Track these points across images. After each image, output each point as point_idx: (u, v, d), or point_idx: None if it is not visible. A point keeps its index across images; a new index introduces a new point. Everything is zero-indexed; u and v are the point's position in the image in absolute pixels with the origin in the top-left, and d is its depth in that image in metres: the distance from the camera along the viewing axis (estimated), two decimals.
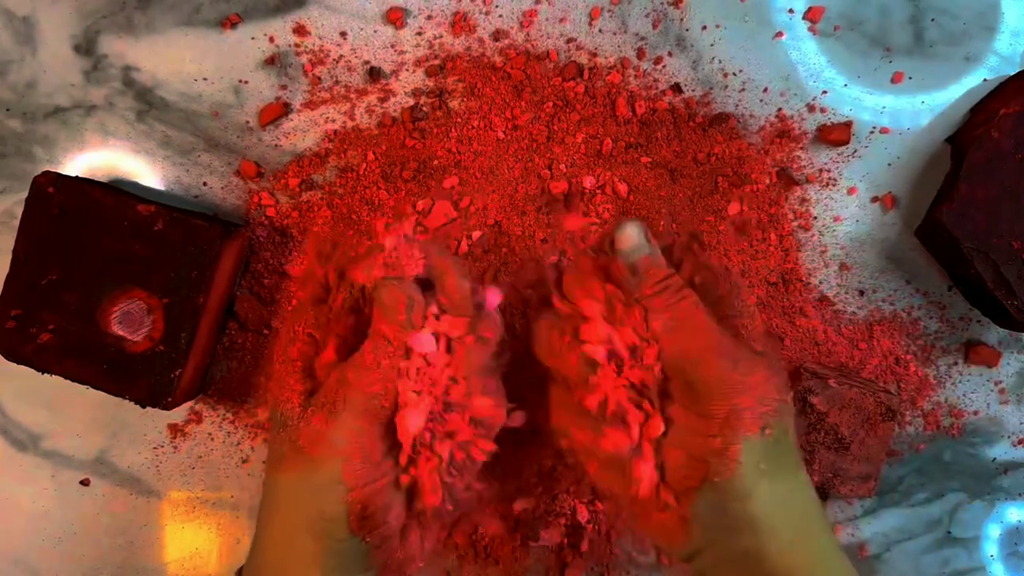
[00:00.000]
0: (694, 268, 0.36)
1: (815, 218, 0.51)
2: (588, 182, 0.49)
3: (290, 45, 0.49)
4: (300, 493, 0.34)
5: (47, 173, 0.45)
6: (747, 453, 0.31)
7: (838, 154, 0.51)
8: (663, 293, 0.33)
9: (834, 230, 0.51)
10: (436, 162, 0.49)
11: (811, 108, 0.50)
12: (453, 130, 0.49)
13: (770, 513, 0.31)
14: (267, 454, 0.36)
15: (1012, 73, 0.50)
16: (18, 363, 0.45)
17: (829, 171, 0.51)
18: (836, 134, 0.50)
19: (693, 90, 0.50)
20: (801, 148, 0.51)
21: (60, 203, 0.44)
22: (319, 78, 0.49)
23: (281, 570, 0.35)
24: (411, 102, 0.49)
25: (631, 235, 0.34)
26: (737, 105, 0.50)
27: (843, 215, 0.51)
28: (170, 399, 0.44)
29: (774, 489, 0.32)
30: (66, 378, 0.45)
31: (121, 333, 0.44)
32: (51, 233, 0.44)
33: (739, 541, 0.32)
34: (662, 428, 0.33)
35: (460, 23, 0.49)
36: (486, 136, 0.49)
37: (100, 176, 0.49)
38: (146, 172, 0.50)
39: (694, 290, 0.34)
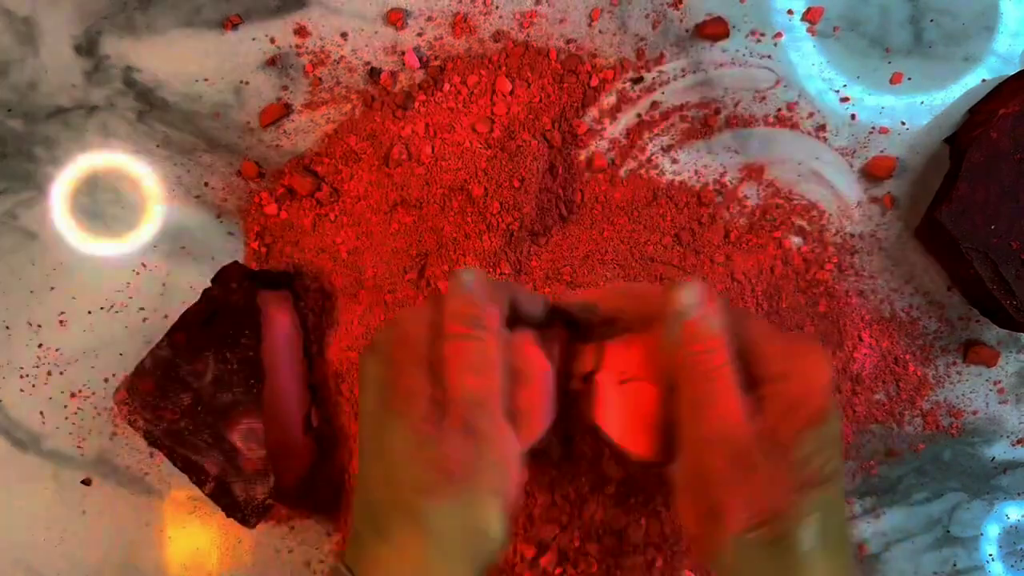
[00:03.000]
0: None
1: (814, 218, 0.51)
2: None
3: (291, 46, 0.49)
4: (454, 522, 0.31)
5: (236, 265, 0.45)
6: (734, 550, 0.30)
7: (838, 155, 0.51)
8: (702, 363, 0.31)
9: (833, 230, 0.51)
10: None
11: (810, 108, 0.50)
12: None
13: None
14: (395, 482, 0.33)
15: (1011, 73, 0.50)
16: (133, 428, 0.45)
17: (827, 171, 0.51)
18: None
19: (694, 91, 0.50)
20: (800, 148, 0.51)
21: (233, 301, 0.44)
22: (320, 79, 0.49)
23: None
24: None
25: (688, 296, 0.32)
26: (737, 105, 0.50)
27: (842, 215, 0.51)
28: (255, 520, 0.45)
29: None
30: (171, 461, 0.45)
31: (240, 446, 0.44)
32: (210, 325, 0.45)
33: None
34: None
35: (460, 24, 0.49)
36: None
37: (100, 176, 0.49)
38: (147, 172, 0.50)
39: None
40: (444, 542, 0.31)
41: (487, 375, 0.32)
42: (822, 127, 0.51)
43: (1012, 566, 0.53)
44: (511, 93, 0.49)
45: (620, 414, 0.36)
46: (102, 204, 0.50)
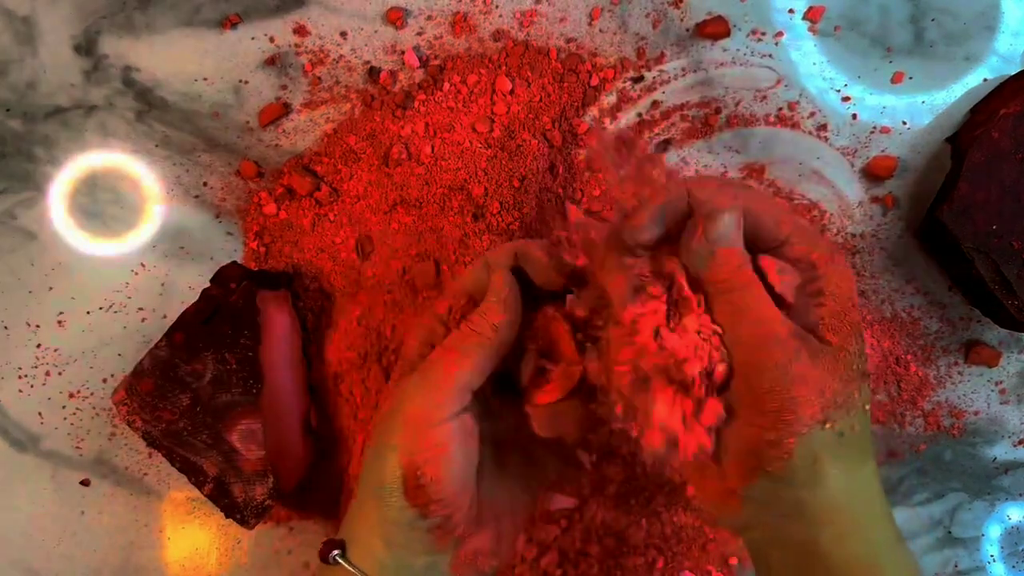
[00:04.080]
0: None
1: (814, 218, 0.51)
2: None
3: (290, 45, 0.49)
4: (371, 456, 0.36)
5: (235, 266, 0.46)
6: (802, 446, 0.30)
7: (839, 154, 0.51)
8: (732, 277, 0.32)
9: (834, 230, 0.51)
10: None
11: (811, 107, 0.50)
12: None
13: (827, 505, 0.31)
14: None
15: (1012, 73, 0.50)
16: (131, 428, 0.45)
17: (828, 171, 0.51)
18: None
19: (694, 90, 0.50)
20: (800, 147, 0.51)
21: (232, 301, 0.44)
22: (319, 78, 0.49)
23: (355, 538, 0.36)
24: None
25: (726, 224, 0.32)
26: (738, 104, 0.50)
27: (843, 215, 0.51)
28: (254, 521, 0.45)
29: (833, 482, 0.31)
30: (169, 462, 0.45)
31: (239, 447, 0.44)
32: (209, 325, 0.44)
33: (792, 528, 0.31)
34: (722, 415, 0.31)
35: (460, 23, 0.49)
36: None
37: (99, 175, 0.49)
38: (146, 172, 0.50)
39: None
40: (365, 475, 0.36)
41: (423, 345, 0.37)
42: (823, 127, 0.50)
43: (1014, 567, 0.53)
44: (511, 92, 0.49)
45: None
46: (101, 204, 0.50)
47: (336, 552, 0.36)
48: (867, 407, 0.32)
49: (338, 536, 0.37)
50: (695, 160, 0.50)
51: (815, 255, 0.33)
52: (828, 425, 0.30)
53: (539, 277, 0.37)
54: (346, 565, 0.35)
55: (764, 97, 0.50)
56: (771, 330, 0.31)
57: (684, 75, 0.50)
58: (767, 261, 0.33)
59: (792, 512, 0.31)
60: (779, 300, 0.32)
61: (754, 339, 0.31)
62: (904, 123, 0.51)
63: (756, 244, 0.34)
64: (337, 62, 0.49)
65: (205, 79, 0.49)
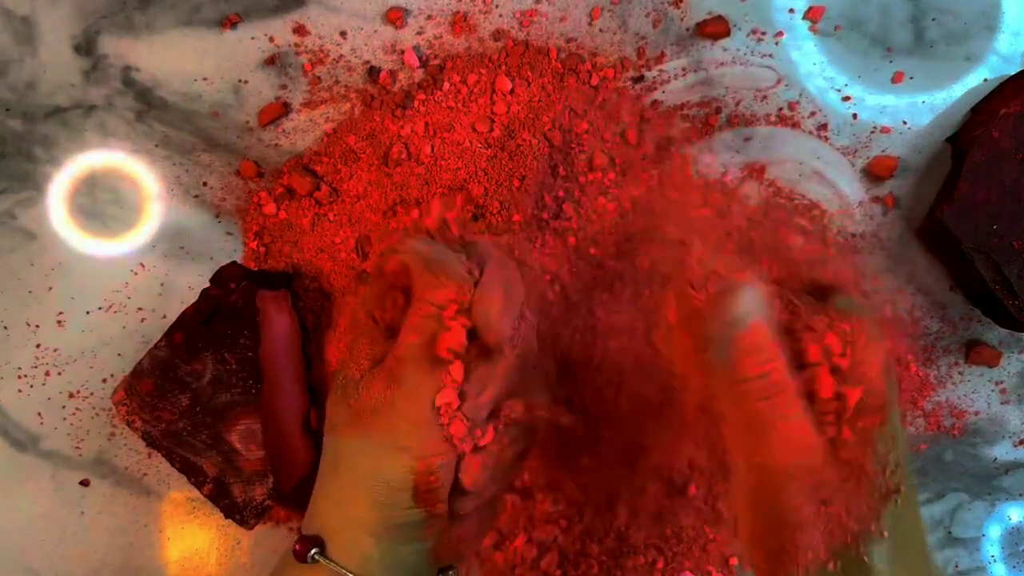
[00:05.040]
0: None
1: (815, 217, 0.51)
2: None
3: (290, 45, 0.49)
4: (361, 459, 0.34)
5: (235, 266, 0.46)
6: (883, 522, 0.26)
7: (839, 154, 0.51)
8: (759, 381, 0.25)
9: (834, 230, 0.51)
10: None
11: (812, 107, 0.50)
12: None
13: None
14: (325, 419, 0.37)
15: (1013, 73, 0.50)
16: (131, 428, 0.45)
17: (828, 171, 0.51)
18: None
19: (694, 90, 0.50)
20: (799, 149, 0.51)
21: (231, 301, 0.44)
22: (319, 78, 0.49)
23: (334, 533, 0.34)
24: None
25: (750, 300, 0.26)
26: (738, 104, 0.50)
27: (843, 215, 0.51)
28: (253, 521, 0.45)
29: None
30: (169, 462, 0.45)
31: (239, 447, 0.44)
32: (209, 325, 0.44)
33: None
34: None
35: (460, 23, 0.49)
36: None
37: (99, 175, 0.49)
38: (146, 172, 0.50)
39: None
40: (350, 476, 0.34)
41: (425, 338, 0.33)
42: (823, 126, 0.50)
43: (1014, 567, 0.53)
44: (511, 92, 0.49)
45: None
46: (101, 204, 0.50)
47: (315, 550, 0.34)
48: (885, 533, 0.26)
49: (306, 530, 0.36)
50: (695, 160, 0.50)
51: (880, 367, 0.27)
52: (831, 566, 0.26)
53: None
54: (329, 564, 0.34)
55: (764, 97, 0.50)
56: (800, 459, 0.25)
57: (684, 75, 0.50)
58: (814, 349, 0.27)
59: None
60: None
61: (775, 468, 0.26)
62: (904, 123, 0.51)
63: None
64: (337, 62, 0.49)
65: (205, 79, 0.49)
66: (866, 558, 0.26)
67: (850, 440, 0.25)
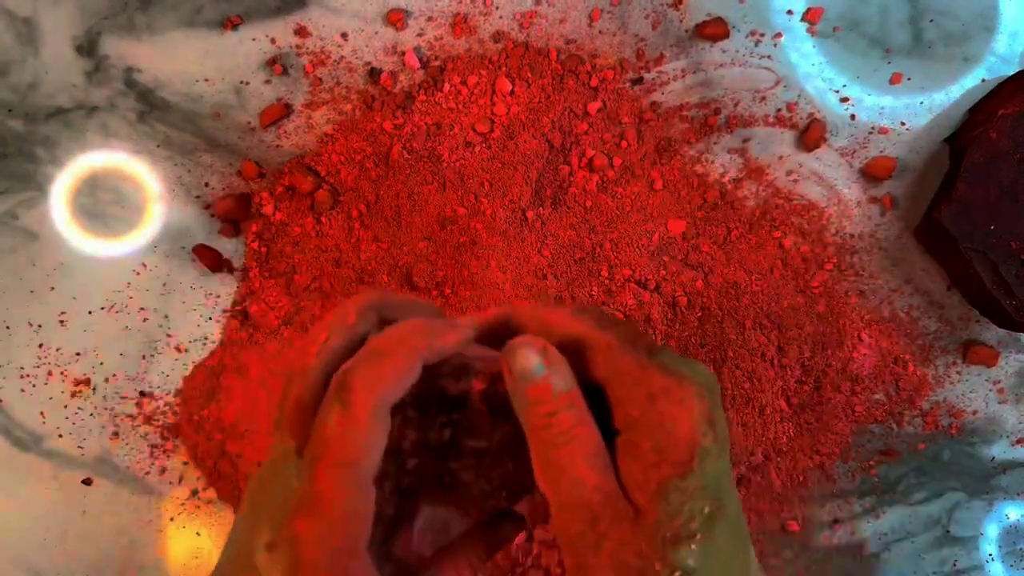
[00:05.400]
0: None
1: (814, 218, 0.51)
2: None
3: (291, 46, 0.49)
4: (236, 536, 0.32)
5: None
6: (676, 561, 0.27)
7: (838, 155, 0.51)
8: (546, 430, 0.28)
9: (833, 230, 0.51)
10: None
11: (810, 108, 0.50)
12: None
13: None
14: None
15: (1010, 74, 0.50)
16: None
17: (827, 172, 0.51)
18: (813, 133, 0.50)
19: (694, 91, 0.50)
20: (798, 148, 0.51)
21: None
22: (320, 79, 0.49)
23: None
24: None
25: (528, 358, 0.28)
26: (737, 105, 0.50)
27: (841, 215, 0.51)
28: None
29: None
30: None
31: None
32: None
33: None
34: None
35: (460, 24, 0.49)
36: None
37: (101, 176, 0.49)
38: (147, 173, 0.50)
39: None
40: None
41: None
42: (823, 127, 0.51)
43: (1012, 566, 0.53)
44: (511, 93, 0.49)
45: None
46: (102, 204, 0.50)
47: None
48: (710, 560, 0.27)
49: None
50: (695, 160, 0.51)
51: (630, 394, 0.28)
52: None
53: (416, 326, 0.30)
54: None
55: (763, 98, 0.50)
56: (578, 500, 0.27)
57: (683, 76, 0.50)
58: None
59: None
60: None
61: (561, 504, 0.27)
62: (903, 124, 0.51)
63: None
64: (338, 63, 0.49)
65: (206, 80, 0.49)
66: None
67: (635, 483, 0.27)
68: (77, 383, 0.50)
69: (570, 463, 0.28)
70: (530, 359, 0.28)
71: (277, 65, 0.49)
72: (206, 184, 0.50)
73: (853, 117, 0.51)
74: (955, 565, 0.53)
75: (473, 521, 0.31)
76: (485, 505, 0.29)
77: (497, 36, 0.50)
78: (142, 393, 0.50)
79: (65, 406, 0.50)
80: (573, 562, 0.27)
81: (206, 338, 0.50)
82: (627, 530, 0.27)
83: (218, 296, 0.50)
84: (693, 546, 0.27)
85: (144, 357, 0.50)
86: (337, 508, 0.27)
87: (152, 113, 0.49)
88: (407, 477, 0.29)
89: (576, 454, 0.28)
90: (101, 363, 0.50)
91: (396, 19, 0.49)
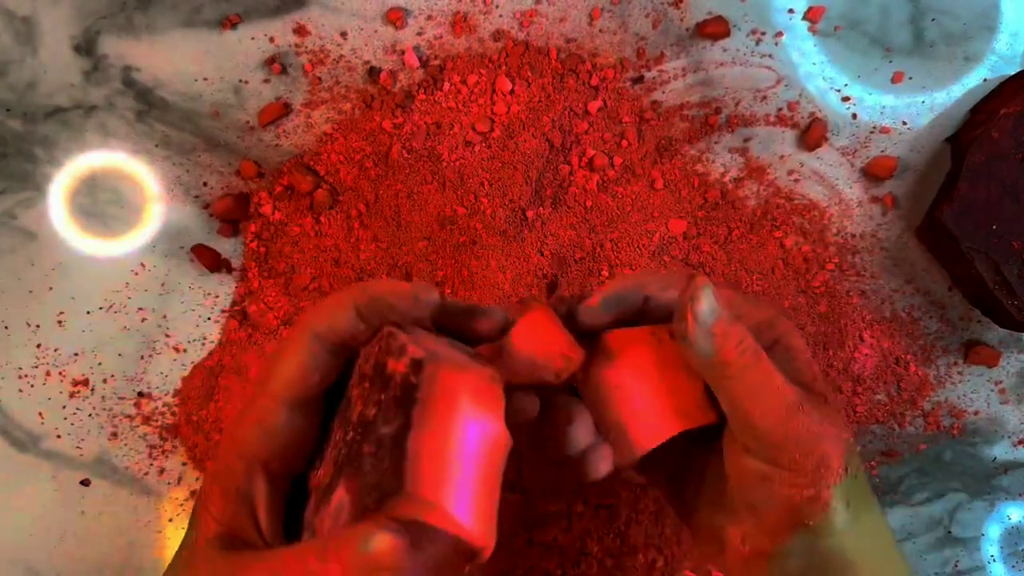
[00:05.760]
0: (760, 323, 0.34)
1: (815, 218, 0.51)
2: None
3: (290, 45, 0.49)
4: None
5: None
6: (836, 496, 0.31)
7: (839, 154, 0.51)
8: (743, 356, 0.31)
9: (834, 230, 0.51)
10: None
11: (811, 107, 0.50)
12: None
13: (859, 548, 0.32)
14: None
15: (1012, 73, 0.50)
16: None
17: (828, 171, 0.51)
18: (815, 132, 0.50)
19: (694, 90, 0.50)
20: (799, 148, 0.51)
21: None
22: (320, 78, 0.49)
23: None
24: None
25: (708, 298, 0.31)
26: (738, 104, 0.50)
27: (842, 215, 0.51)
28: None
29: (860, 525, 0.32)
30: None
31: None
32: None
33: None
34: None
35: (460, 23, 0.49)
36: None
37: (99, 175, 0.49)
38: (146, 172, 0.50)
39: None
40: None
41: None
42: (824, 127, 0.50)
43: (1013, 567, 0.53)
44: (511, 92, 0.49)
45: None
46: (101, 204, 0.50)
47: None
48: (838, 510, 0.32)
49: None
50: (696, 160, 0.50)
51: (767, 315, 0.34)
52: (849, 470, 0.32)
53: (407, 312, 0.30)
54: None
55: (764, 97, 0.50)
56: (794, 399, 0.31)
57: (684, 75, 0.50)
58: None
59: (825, 563, 0.32)
60: None
61: (779, 414, 0.31)
62: (904, 123, 0.51)
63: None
64: (337, 62, 0.49)
65: (205, 79, 0.49)
66: (861, 466, 0.32)
67: (814, 373, 0.34)
68: (75, 383, 0.50)
69: (769, 375, 0.31)
70: (711, 299, 0.31)
71: (276, 64, 0.49)
72: (204, 184, 0.50)
73: (854, 116, 0.50)
74: (957, 566, 0.53)
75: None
76: (363, 502, 0.27)
77: (497, 35, 0.49)
78: (140, 394, 0.50)
79: (63, 406, 0.50)
80: (811, 459, 0.31)
81: (205, 338, 0.50)
82: (831, 412, 0.32)
83: (217, 296, 0.50)
84: (847, 480, 0.32)
85: (143, 357, 0.50)
86: (247, 420, 0.29)
87: (151, 112, 0.49)
88: (344, 449, 0.28)
89: (772, 368, 0.31)
90: (99, 363, 0.50)
91: (396, 18, 0.49)
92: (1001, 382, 0.52)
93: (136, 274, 0.50)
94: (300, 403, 0.29)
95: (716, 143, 0.50)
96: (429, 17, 0.49)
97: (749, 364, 0.31)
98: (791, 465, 0.31)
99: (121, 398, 0.50)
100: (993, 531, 0.53)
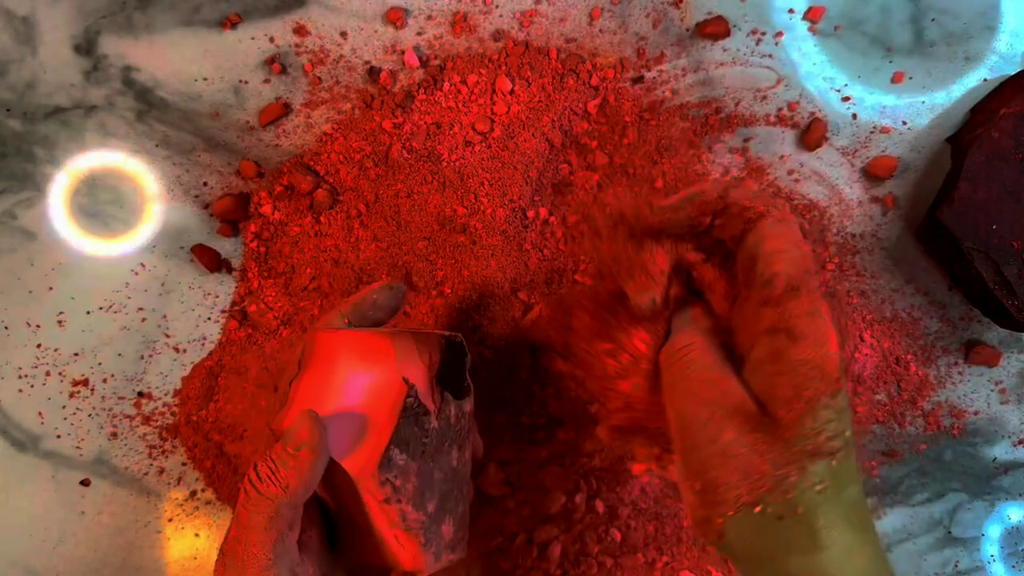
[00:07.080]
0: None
1: (815, 218, 0.51)
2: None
3: (290, 45, 0.49)
4: None
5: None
6: (732, 528, 0.29)
7: (839, 154, 0.51)
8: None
9: (834, 230, 0.51)
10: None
11: (811, 107, 0.50)
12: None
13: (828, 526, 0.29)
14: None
15: (1012, 73, 0.50)
16: None
17: (828, 171, 0.51)
18: (815, 132, 0.50)
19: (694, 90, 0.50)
20: (799, 148, 0.51)
21: None
22: (319, 78, 0.49)
23: None
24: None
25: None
26: (738, 104, 0.50)
27: (843, 215, 0.51)
28: None
29: (784, 566, 0.29)
30: None
31: None
32: None
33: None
34: None
35: (460, 23, 0.49)
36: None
37: (99, 175, 0.49)
38: (146, 172, 0.50)
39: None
40: None
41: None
42: (824, 127, 0.50)
43: (1013, 567, 0.53)
44: (511, 92, 0.49)
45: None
46: (101, 204, 0.50)
47: None
48: (819, 487, 0.28)
49: None
50: (696, 160, 0.50)
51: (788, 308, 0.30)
52: (758, 508, 0.28)
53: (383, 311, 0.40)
54: None
55: (764, 97, 0.50)
56: (729, 403, 0.29)
57: (684, 75, 0.50)
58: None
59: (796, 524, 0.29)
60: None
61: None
62: (904, 123, 0.51)
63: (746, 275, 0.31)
64: (337, 62, 0.49)
65: (205, 79, 0.49)
66: (800, 509, 0.28)
67: (787, 395, 0.29)
68: (75, 383, 0.50)
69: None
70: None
71: (276, 64, 0.49)
72: (204, 183, 0.50)
73: (854, 116, 0.50)
74: (957, 566, 0.53)
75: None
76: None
77: (497, 35, 0.49)
78: (140, 394, 0.50)
79: (63, 406, 0.50)
80: (700, 478, 0.29)
81: (204, 338, 0.50)
82: (762, 441, 0.29)
83: (216, 296, 0.50)
84: (834, 463, 0.29)
85: (142, 357, 0.50)
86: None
87: (150, 112, 0.49)
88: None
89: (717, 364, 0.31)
90: (99, 363, 0.50)
91: (395, 18, 0.49)
92: (1001, 382, 0.52)
93: (136, 274, 0.50)
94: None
95: (716, 143, 0.50)
96: (429, 17, 0.49)
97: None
98: (688, 475, 0.30)
99: (121, 398, 0.50)
100: (993, 531, 0.53)
